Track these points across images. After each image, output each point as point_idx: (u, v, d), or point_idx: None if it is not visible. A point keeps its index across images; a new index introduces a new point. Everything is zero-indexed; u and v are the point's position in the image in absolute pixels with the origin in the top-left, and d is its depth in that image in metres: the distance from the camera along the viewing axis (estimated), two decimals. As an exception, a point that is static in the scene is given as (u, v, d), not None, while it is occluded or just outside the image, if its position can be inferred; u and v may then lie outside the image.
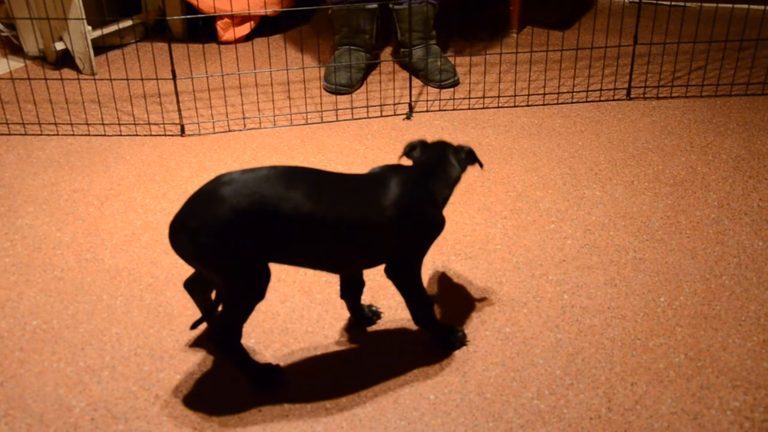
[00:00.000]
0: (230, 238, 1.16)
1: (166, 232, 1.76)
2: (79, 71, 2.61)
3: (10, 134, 2.23)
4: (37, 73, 2.60)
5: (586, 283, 1.58)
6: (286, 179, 1.19)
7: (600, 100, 2.38)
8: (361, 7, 2.42)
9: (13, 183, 1.98)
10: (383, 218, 1.23)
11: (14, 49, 2.76)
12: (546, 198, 1.88)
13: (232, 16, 2.80)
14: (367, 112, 2.33)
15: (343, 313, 1.50)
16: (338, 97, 2.42)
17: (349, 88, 2.44)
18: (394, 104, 2.37)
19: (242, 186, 1.17)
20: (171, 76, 2.18)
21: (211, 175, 1.99)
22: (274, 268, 1.64)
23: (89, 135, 2.22)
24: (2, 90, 2.49)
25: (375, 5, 2.45)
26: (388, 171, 1.29)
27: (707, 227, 1.76)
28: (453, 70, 2.49)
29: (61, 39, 2.61)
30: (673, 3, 2.96)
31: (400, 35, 2.51)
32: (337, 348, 1.42)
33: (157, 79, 2.31)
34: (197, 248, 1.16)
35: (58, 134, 2.22)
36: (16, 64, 2.69)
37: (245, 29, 2.86)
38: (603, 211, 1.82)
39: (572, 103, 2.37)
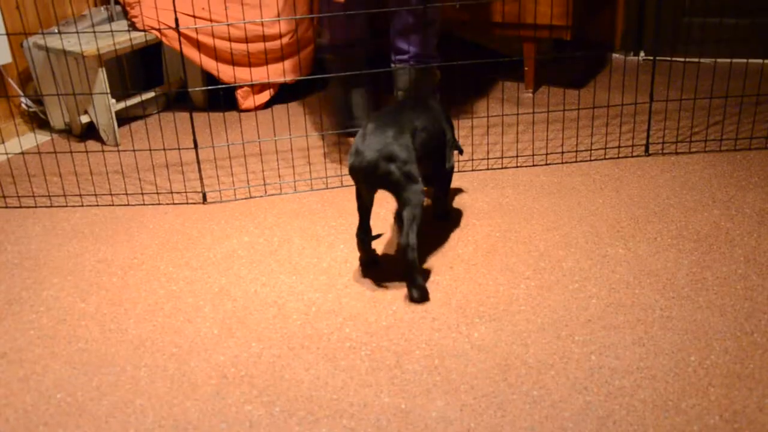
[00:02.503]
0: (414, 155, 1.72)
1: (189, 300, 1.76)
2: (103, 143, 2.67)
3: (36, 207, 2.26)
4: (62, 146, 2.66)
5: (614, 343, 1.55)
6: (406, 114, 1.79)
7: (618, 157, 2.38)
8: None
9: (39, 255, 2.00)
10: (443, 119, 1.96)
11: (41, 123, 2.83)
12: (569, 257, 1.87)
13: (251, 85, 2.86)
14: (387, 175, 2.34)
15: (367, 379, 1.48)
16: (357, 161, 2.44)
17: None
18: (413, 167, 2.39)
19: (399, 122, 1.74)
20: (192, 146, 2.22)
21: (233, 242, 2.00)
22: (290, 337, 1.63)
23: (113, 205, 2.25)
24: (29, 163, 2.54)
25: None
26: (417, 98, 1.96)
27: (735, 283, 1.73)
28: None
29: (86, 112, 2.67)
30: (687, 59, 2.98)
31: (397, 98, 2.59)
32: (362, 415, 1.40)
33: (179, 148, 2.35)
34: (400, 171, 1.68)
35: (82, 205, 2.26)
36: (42, 138, 2.76)
37: (265, 97, 2.92)
38: (627, 269, 1.80)
39: (591, 161, 2.38)
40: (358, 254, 1.89)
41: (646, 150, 2.41)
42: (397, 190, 1.71)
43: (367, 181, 1.72)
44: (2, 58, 2.62)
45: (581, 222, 2.03)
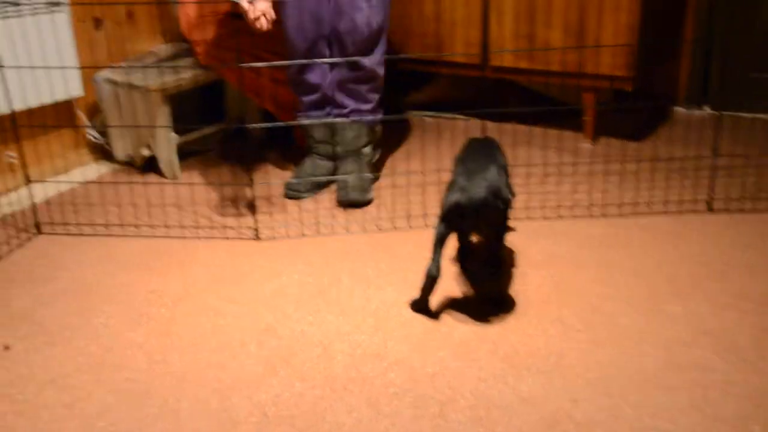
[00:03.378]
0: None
1: (235, 335, 1.76)
2: (163, 176, 2.72)
3: (95, 235, 2.31)
4: (123, 178, 2.72)
5: (668, 406, 1.49)
6: (493, 152, 1.87)
7: (679, 212, 2.32)
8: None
9: (93, 282, 2.03)
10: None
11: (105, 155, 2.91)
12: (623, 312, 1.81)
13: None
14: (439, 219, 2.32)
15: (410, 427, 1.45)
16: (411, 204, 2.43)
17: (309, 194, 2.51)
18: (467, 212, 2.37)
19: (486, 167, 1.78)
20: (248, 182, 2.24)
21: (283, 280, 2.00)
22: (333, 378, 1.61)
23: (168, 237, 2.28)
24: (91, 193, 2.60)
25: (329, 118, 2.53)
26: (484, 141, 1.95)
27: (800, 349, 1.65)
28: (364, 188, 2.45)
29: (148, 145, 2.73)
30: (754, 115, 2.91)
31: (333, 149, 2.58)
32: (402, 465, 1.37)
33: (235, 184, 2.38)
34: (503, 207, 1.75)
35: (138, 236, 2.29)
36: (105, 169, 2.83)
37: (322, 137, 2.94)
38: (684, 328, 1.74)
39: (650, 214, 2.32)
40: (407, 298, 1.87)
41: (709, 206, 2.34)
42: (494, 226, 1.78)
43: (473, 217, 1.72)
44: (75, 91, 2.71)
45: (637, 277, 1.97)
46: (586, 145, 2.93)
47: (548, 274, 2.00)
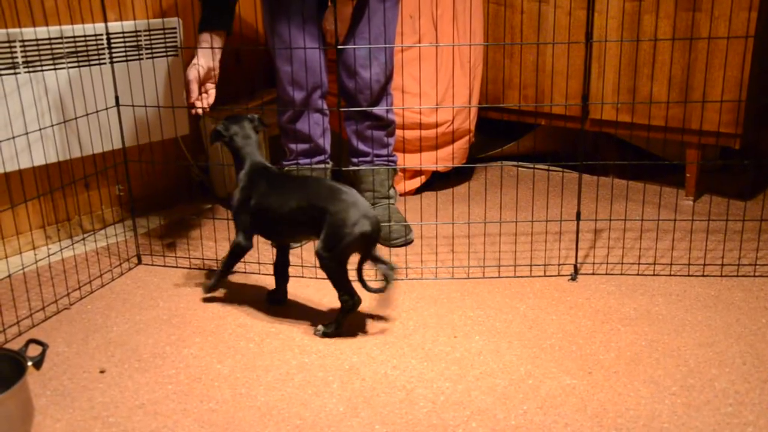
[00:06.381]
0: None
1: (319, 374, 1.77)
2: (259, 214, 2.80)
3: (190, 268, 2.39)
4: (221, 214, 2.81)
5: (770, 480, 1.39)
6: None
7: (787, 276, 2.20)
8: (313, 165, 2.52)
9: (186, 314, 2.09)
10: None
11: (206, 191, 3.02)
12: (722, 377, 1.72)
13: (404, 170, 2.92)
14: (530, 270, 2.28)
15: (489, 481, 1.40)
16: (501, 253, 2.41)
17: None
18: (559, 264, 2.32)
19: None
20: (341, 223, 2.27)
21: (368, 321, 2.01)
22: (414, 424, 1.58)
23: (258, 273, 2.33)
24: (191, 228, 2.70)
25: (328, 165, 2.55)
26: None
27: None
28: (404, 231, 2.49)
29: (247, 184, 2.82)
30: None
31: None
32: None
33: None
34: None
35: (231, 270, 2.35)
36: (204, 205, 2.94)
37: (416, 183, 2.97)
38: (790, 399, 1.63)
39: (755, 276, 2.21)
40: (494, 348, 1.84)
41: (820, 270, 2.21)
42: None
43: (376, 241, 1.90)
44: (181, 130, 2.83)
45: (739, 341, 1.87)
46: (687, 202, 2.83)
47: (642, 332, 1.92)
